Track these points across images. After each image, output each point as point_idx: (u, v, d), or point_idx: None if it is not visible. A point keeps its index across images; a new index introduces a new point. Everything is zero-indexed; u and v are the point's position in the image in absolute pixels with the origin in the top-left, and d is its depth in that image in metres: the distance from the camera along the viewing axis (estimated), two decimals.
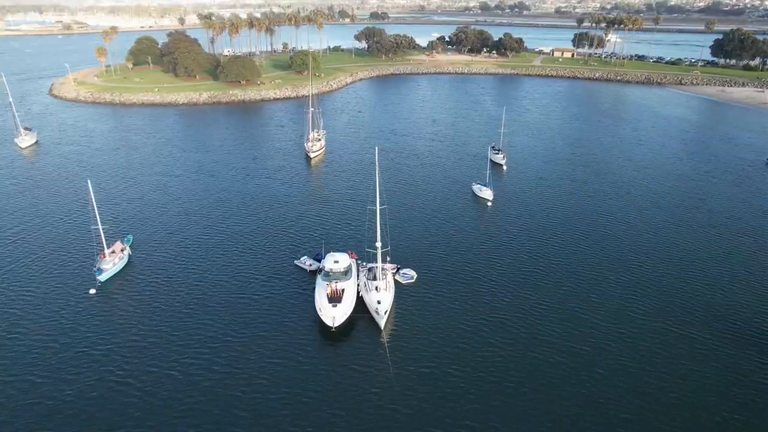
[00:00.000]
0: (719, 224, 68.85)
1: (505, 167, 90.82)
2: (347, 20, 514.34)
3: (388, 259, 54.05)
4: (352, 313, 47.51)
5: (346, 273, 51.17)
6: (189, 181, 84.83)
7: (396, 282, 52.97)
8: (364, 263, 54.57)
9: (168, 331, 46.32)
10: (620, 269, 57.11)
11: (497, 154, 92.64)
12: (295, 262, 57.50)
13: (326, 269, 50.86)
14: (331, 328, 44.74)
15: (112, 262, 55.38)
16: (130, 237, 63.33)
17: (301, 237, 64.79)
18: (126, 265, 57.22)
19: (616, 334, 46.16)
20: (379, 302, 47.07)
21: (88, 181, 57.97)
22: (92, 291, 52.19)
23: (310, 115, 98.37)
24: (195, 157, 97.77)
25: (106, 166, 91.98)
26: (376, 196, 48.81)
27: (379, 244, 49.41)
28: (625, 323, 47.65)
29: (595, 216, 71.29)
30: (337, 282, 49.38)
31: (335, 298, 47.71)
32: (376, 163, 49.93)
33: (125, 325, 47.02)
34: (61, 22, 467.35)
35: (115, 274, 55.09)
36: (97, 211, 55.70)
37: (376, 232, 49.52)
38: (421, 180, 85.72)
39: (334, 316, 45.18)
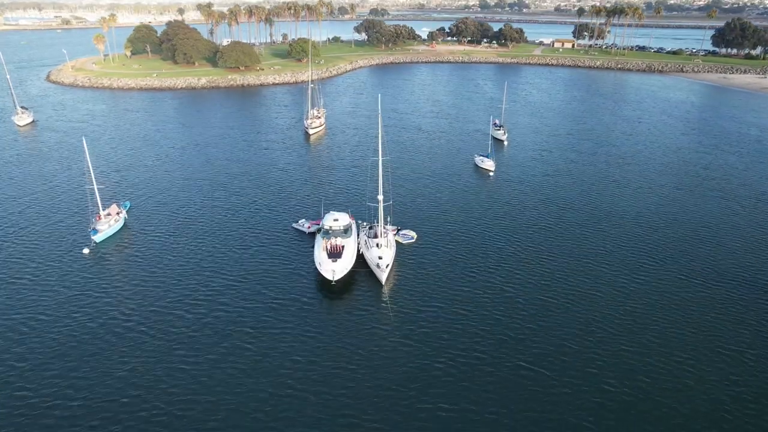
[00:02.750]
0: (725, 189, 67.84)
1: (506, 143, 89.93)
2: (347, 17, 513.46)
3: (389, 219, 52.97)
4: (352, 268, 46.43)
5: (346, 231, 50.03)
6: (190, 152, 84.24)
7: (396, 243, 51.84)
8: (365, 223, 53.58)
9: (164, 291, 45.02)
10: (624, 233, 55.97)
11: (498, 129, 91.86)
12: (294, 225, 56.38)
13: (326, 227, 49.73)
14: (331, 281, 43.55)
15: (108, 223, 54.22)
16: (128, 203, 62.17)
17: (299, 202, 63.80)
18: (122, 228, 56.04)
19: (615, 295, 44.95)
20: (380, 257, 45.95)
21: (83, 139, 56.92)
22: (86, 251, 50.99)
23: (309, 92, 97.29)
24: (196, 131, 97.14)
25: (105, 139, 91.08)
26: (379, 146, 47.57)
27: (380, 197, 48.18)
28: (625, 286, 46.46)
29: (598, 184, 70.28)
30: (336, 239, 48.30)
31: (335, 254, 46.58)
32: (379, 111, 48.86)
33: (119, 286, 45.69)
34: (59, 17, 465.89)
35: (110, 236, 53.92)
36: (92, 171, 54.57)
37: (378, 184, 48.30)
38: (423, 152, 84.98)
39: (334, 269, 43.97)
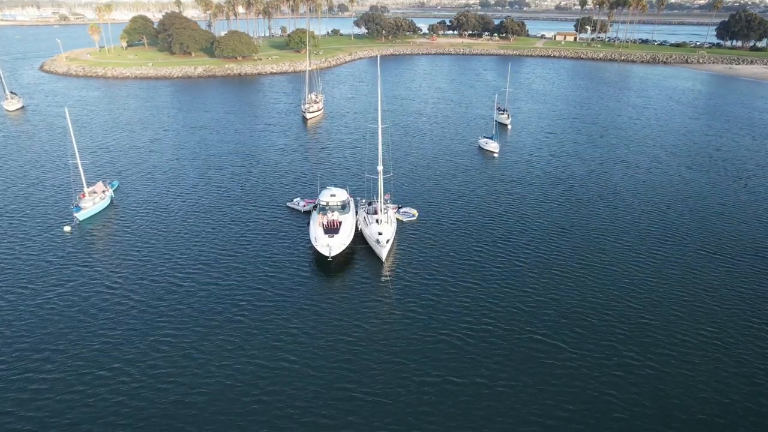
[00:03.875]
0: (740, 169, 65.10)
1: (510, 127, 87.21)
2: (347, 14, 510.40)
3: (389, 198, 50.06)
4: (350, 245, 43.56)
5: (344, 207, 47.19)
6: (183, 135, 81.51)
7: (397, 221, 48.94)
8: (363, 200, 50.74)
9: (150, 266, 42.31)
10: (637, 210, 53.28)
11: (502, 114, 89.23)
12: (288, 204, 53.46)
13: (322, 203, 46.85)
14: (328, 257, 40.59)
15: (92, 201, 51.31)
16: (116, 182, 59.28)
17: (295, 180, 61.15)
18: (108, 206, 53.16)
19: (633, 270, 42.25)
20: (380, 233, 43.03)
21: (65, 110, 53.97)
22: (67, 228, 47.97)
23: (307, 76, 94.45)
24: (190, 115, 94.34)
25: (97, 123, 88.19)
26: (378, 111, 44.63)
27: (380, 168, 45.27)
28: (642, 260, 43.72)
29: (607, 164, 67.65)
30: (333, 213, 45.45)
31: (332, 229, 43.67)
32: (378, 74, 46.01)
33: (103, 260, 42.93)
34: (57, 13, 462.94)
35: (95, 214, 51.02)
36: (75, 145, 51.72)
37: (377, 153, 45.40)
38: (425, 135, 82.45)
39: (330, 245, 41.03)
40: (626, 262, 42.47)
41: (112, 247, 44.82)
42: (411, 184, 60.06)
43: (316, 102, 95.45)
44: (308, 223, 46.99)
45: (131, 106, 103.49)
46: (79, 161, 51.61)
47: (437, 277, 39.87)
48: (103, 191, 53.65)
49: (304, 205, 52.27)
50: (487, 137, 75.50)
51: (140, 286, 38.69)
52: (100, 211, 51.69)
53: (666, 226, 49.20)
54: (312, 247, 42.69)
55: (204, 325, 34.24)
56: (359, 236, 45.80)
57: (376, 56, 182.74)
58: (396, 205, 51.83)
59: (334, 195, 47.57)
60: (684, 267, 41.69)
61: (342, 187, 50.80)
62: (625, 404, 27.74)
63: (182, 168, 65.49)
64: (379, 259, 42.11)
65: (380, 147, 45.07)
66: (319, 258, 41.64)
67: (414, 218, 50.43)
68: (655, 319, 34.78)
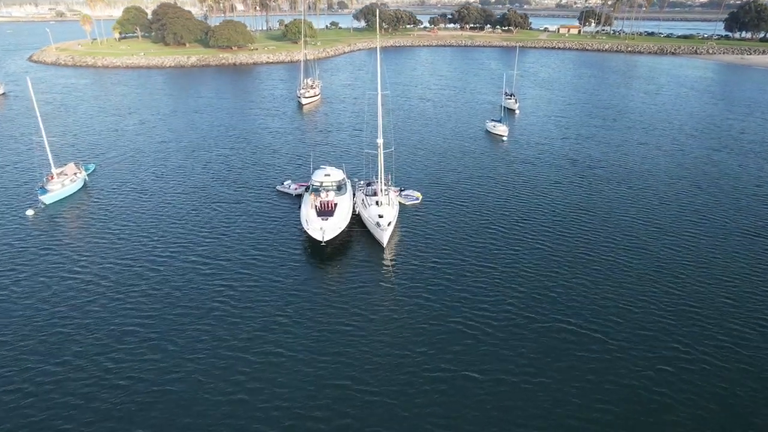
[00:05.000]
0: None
1: (518, 111, 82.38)
2: (346, 11, 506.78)
3: (390, 179, 45.15)
4: (346, 228, 38.75)
5: (340, 188, 42.42)
6: (171, 120, 76.62)
7: (399, 205, 44.07)
8: (362, 181, 45.94)
9: (122, 251, 37.73)
10: (663, 191, 48.59)
11: (510, 99, 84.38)
12: (278, 187, 48.52)
13: (315, 183, 42.01)
14: (321, 242, 35.69)
15: (61, 183, 46.42)
16: (92, 165, 54.48)
17: (287, 163, 56.53)
18: (81, 189, 48.33)
19: (670, 253, 37.54)
20: (380, 215, 38.10)
21: (27, 79, 49.27)
22: (29, 212, 43.01)
23: (303, 57, 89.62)
24: (181, 101, 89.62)
25: (81, 108, 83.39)
26: (378, 76, 39.75)
27: (380, 141, 40.41)
28: (679, 243, 39.01)
29: (624, 146, 62.95)
30: (328, 194, 40.61)
31: (326, 212, 38.82)
32: (377, 28, 41.27)
33: (69, 244, 38.26)
34: (54, 9, 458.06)
35: (65, 198, 46.16)
36: (40, 120, 46.92)
37: (377, 124, 40.55)
38: (429, 119, 77.79)
39: (324, 228, 36.16)
40: (660, 245, 37.66)
41: (81, 231, 40.01)
42: (414, 165, 55.36)
43: (312, 87, 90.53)
44: (299, 207, 42.09)
45: (119, 92, 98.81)
46: (45, 140, 46.79)
47: (446, 261, 35.11)
48: (75, 173, 48.75)
49: (296, 189, 47.41)
50: (494, 120, 70.80)
51: (110, 271, 33.92)
52: (71, 195, 46.85)
53: (700, 207, 44.39)
54: (303, 232, 37.80)
55: (179, 313, 29.46)
56: (357, 220, 40.96)
57: (376, 47, 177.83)
58: (398, 188, 47.07)
59: (328, 174, 42.74)
60: (726, 250, 36.87)
61: (338, 167, 45.99)
62: (683, 406, 22.90)
63: (167, 150, 60.83)
64: (379, 244, 37.23)
65: (380, 115, 40.23)
66: (312, 243, 36.74)
67: (418, 201, 45.61)
68: (703, 307, 29.97)
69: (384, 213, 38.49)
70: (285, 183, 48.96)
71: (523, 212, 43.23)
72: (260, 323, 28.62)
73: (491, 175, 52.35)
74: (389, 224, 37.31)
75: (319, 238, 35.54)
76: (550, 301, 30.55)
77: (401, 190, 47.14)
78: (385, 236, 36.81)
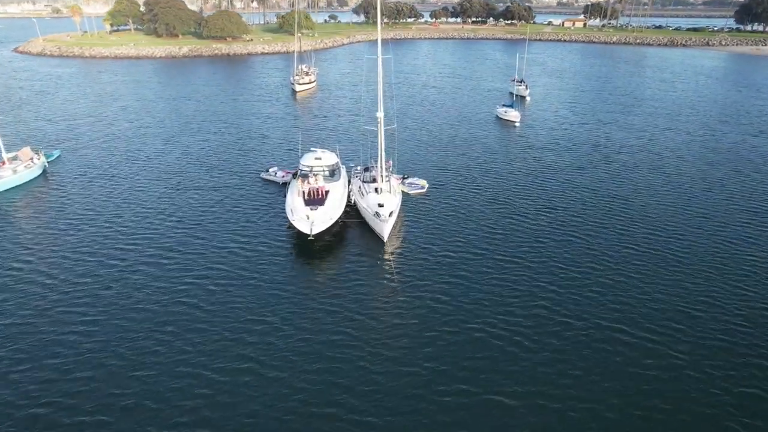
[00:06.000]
0: None
1: (528, 98, 76.61)
2: (346, 8, 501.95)
3: (391, 164, 39.20)
4: (340, 220, 32.94)
5: (333, 173, 36.65)
6: (156, 105, 71.58)
7: (402, 194, 38.18)
8: (358, 167, 40.10)
9: (79, 241, 31.99)
10: (698, 178, 42.85)
11: (520, 85, 78.56)
12: (262, 175, 42.62)
13: (304, 167, 36.18)
14: (308, 235, 29.74)
15: (12, 169, 40.54)
16: (57, 152, 48.67)
17: (274, 148, 50.84)
18: (39, 177, 42.48)
19: (710, 250, 31.69)
20: (380, 204, 32.17)
21: None
22: None
23: (297, 40, 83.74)
24: (168, 88, 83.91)
25: (60, 94, 77.61)
26: (378, 39, 33.93)
27: (381, 115, 34.53)
28: (723, 241, 33.16)
29: (649, 131, 57.29)
30: (318, 179, 34.69)
31: (315, 200, 32.91)
32: (378, 3, 35.59)
33: (17, 235, 32.53)
34: (50, 5, 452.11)
35: (18, 186, 40.27)
36: None
37: (377, 94, 34.69)
38: (435, 104, 72.53)
39: (312, 219, 30.27)
40: (710, 235, 31.88)
41: (31, 222, 34.18)
42: (418, 150, 49.65)
43: (307, 74, 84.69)
44: (285, 196, 36.08)
45: (104, 80, 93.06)
46: None
47: (458, 256, 29.35)
48: (32, 159, 42.89)
49: (283, 176, 41.44)
50: (506, 105, 65.11)
51: (56, 267, 28.12)
52: (27, 182, 41.04)
53: (748, 195, 38.56)
54: (289, 224, 31.91)
55: (132, 318, 23.67)
56: (353, 210, 35.13)
57: (376, 39, 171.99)
58: (401, 175, 41.25)
59: (319, 158, 36.88)
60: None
61: (332, 150, 40.09)
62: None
63: (146, 136, 55.10)
64: (378, 238, 31.25)
65: (380, 83, 34.35)
66: (298, 237, 30.87)
67: (423, 190, 39.72)
68: None
69: (384, 202, 32.49)
70: (270, 170, 43.03)
71: (546, 200, 37.47)
72: (232, 331, 22.85)
73: (506, 161, 46.64)
74: (390, 215, 31.29)
75: (307, 231, 29.61)
76: (591, 303, 24.76)
77: (404, 178, 41.32)
78: (385, 229, 30.76)
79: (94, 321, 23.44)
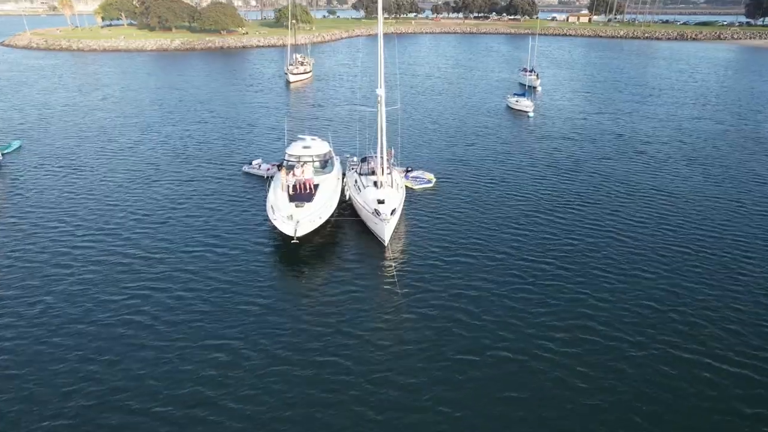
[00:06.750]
0: None
1: (539, 89, 71.29)
2: (345, 6, 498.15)
3: (392, 153, 33.81)
4: (331, 218, 27.63)
5: (325, 165, 31.41)
6: (140, 94, 65.97)
7: (406, 189, 32.72)
8: (354, 157, 34.74)
9: (24, 254, 26.64)
10: (733, 171, 37.46)
11: (530, 75, 73.22)
12: (245, 168, 37.14)
13: (290, 157, 30.90)
14: (292, 238, 24.25)
15: None
16: (17, 143, 43.36)
17: (259, 141, 45.50)
18: None
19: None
20: (380, 201, 26.77)
21: None
22: None
23: (291, 27, 78.46)
24: (153, 77, 78.46)
25: (39, 84, 72.17)
26: (378, 8, 28.73)
27: (382, 91, 29.20)
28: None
29: (676, 122, 52.14)
30: (305, 170, 29.25)
31: (302, 196, 27.52)
32: None
33: None
34: (46, 3, 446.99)
35: None
36: None
37: (378, 68, 29.40)
38: (440, 93, 67.38)
39: (296, 218, 24.77)
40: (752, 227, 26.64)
41: None
42: (423, 140, 44.47)
43: (302, 64, 79.43)
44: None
45: (87, 71, 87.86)
46: None
47: (474, 263, 24.08)
48: None
49: (268, 169, 35.99)
50: (517, 95, 59.94)
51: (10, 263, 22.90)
52: None
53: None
54: (270, 224, 26.51)
55: (66, 333, 18.43)
56: (348, 208, 29.87)
57: (376, 35, 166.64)
58: (404, 168, 35.94)
59: (308, 146, 31.56)
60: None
61: (324, 138, 34.73)
62: None
63: (122, 126, 49.91)
64: (378, 242, 25.79)
65: (381, 53, 29.09)
66: (282, 240, 25.41)
67: (430, 185, 34.34)
68: None
69: (385, 197, 27.11)
70: (254, 162, 37.57)
71: (575, 194, 32.25)
72: (187, 358, 17.62)
73: (522, 152, 41.41)
74: (392, 213, 25.79)
75: (290, 233, 24.18)
76: (649, 319, 19.49)
77: (408, 171, 35.99)
78: (386, 230, 25.19)
79: (13, 338, 18.22)
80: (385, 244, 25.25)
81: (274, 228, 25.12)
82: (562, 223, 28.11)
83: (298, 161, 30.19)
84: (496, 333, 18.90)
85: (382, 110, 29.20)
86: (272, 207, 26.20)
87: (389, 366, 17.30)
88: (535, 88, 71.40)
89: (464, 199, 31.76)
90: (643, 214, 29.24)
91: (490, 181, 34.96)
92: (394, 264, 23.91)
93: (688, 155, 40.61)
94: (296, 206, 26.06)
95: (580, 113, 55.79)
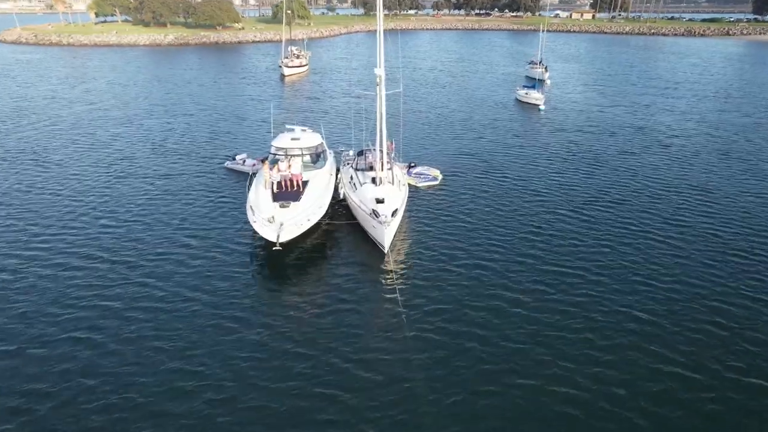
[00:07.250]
0: None
1: (548, 82, 67.72)
2: (345, 5, 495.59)
3: (393, 146, 30.00)
4: (323, 221, 23.83)
5: (316, 159, 27.61)
6: (126, 88, 62.06)
7: (409, 186, 28.83)
8: (350, 151, 30.90)
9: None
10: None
11: (538, 67, 69.67)
12: (228, 163, 33.22)
13: (277, 150, 27.04)
14: (275, 243, 20.22)
15: None
16: None
17: (247, 135, 41.83)
18: None
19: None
20: (379, 200, 22.97)
21: None
22: None
23: (286, 17, 74.67)
24: (143, 70, 74.72)
25: (21, 77, 68.54)
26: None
27: (381, 71, 25.43)
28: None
29: (698, 115, 48.68)
30: (291, 164, 25.35)
31: (287, 194, 23.71)
32: None
33: None
34: (43, 1, 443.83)
35: None
36: None
37: (377, 46, 25.71)
38: (444, 86, 63.92)
39: (279, 220, 20.99)
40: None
41: None
42: (427, 134, 40.77)
43: (298, 57, 75.74)
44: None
45: (75, 65, 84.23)
46: None
47: (489, 270, 20.33)
48: None
49: (254, 165, 32.03)
50: (527, 87, 56.39)
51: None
52: None
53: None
54: (250, 228, 22.54)
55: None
56: (342, 208, 26.08)
57: (376, 31, 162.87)
58: (406, 163, 32.12)
59: (297, 138, 27.70)
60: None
61: (315, 130, 30.90)
62: None
63: (103, 118, 46.34)
64: (377, 247, 21.93)
65: (381, 29, 25.43)
66: (266, 246, 21.39)
67: (436, 183, 30.44)
68: None
69: (385, 196, 23.31)
70: (238, 157, 33.66)
71: (599, 190, 28.58)
72: (145, 390, 13.89)
73: (536, 147, 37.72)
74: (394, 214, 21.97)
75: (272, 238, 20.23)
76: (704, 338, 15.77)
77: (411, 166, 32.13)
78: (386, 234, 21.29)
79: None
80: (385, 251, 21.42)
81: (255, 232, 21.33)
82: (590, 222, 24.40)
83: (285, 155, 26.42)
84: (520, 356, 15.19)
85: (382, 93, 25.45)
86: (252, 207, 22.39)
87: (388, 398, 13.55)
88: (543, 81, 67.81)
89: (475, 197, 28.01)
90: (682, 213, 25.52)
91: (502, 177, 31.24)
92: (395, 275, 20.13)
93: (719, 149, 36.95)
94: (280, 206, 22.27)
95: (594, 106, 52.18)
